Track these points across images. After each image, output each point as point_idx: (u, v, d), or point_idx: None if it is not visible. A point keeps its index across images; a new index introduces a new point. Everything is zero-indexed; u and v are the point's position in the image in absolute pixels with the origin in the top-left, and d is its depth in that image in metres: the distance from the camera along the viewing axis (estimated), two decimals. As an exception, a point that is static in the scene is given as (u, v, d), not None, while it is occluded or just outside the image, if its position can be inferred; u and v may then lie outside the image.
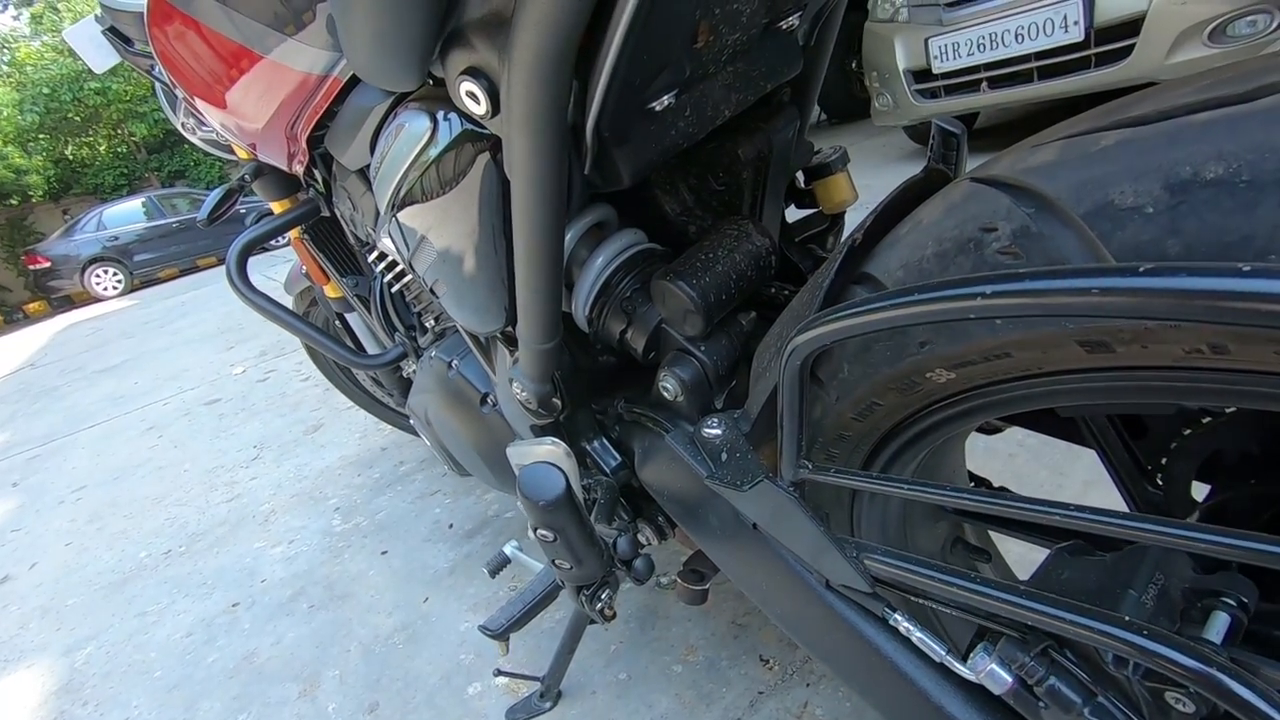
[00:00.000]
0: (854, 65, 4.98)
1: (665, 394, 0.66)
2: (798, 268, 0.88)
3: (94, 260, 10.97)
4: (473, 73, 0.46)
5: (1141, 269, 0.23)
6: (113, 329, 6.97)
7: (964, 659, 0.46)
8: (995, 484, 0.79)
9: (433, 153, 0.58)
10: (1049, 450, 1.38)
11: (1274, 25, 2.49)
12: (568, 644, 1.10)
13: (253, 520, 2.06)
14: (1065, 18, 2.89)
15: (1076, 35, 2.89)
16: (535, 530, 0.62)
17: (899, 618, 0.48)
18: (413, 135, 0.59)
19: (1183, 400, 0.34)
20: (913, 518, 0.64)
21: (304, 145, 0.95)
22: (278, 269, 6.09)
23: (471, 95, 0.48)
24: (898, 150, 4.47)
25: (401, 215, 0.70)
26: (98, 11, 1.26)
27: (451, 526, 1.75)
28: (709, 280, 0.60)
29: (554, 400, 0.72)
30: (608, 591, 0.73)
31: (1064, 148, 0.36)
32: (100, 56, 1.29)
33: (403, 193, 0.66)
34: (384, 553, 1.72)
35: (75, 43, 1.29)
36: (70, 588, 1.95)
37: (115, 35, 1.27)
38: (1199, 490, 0.58)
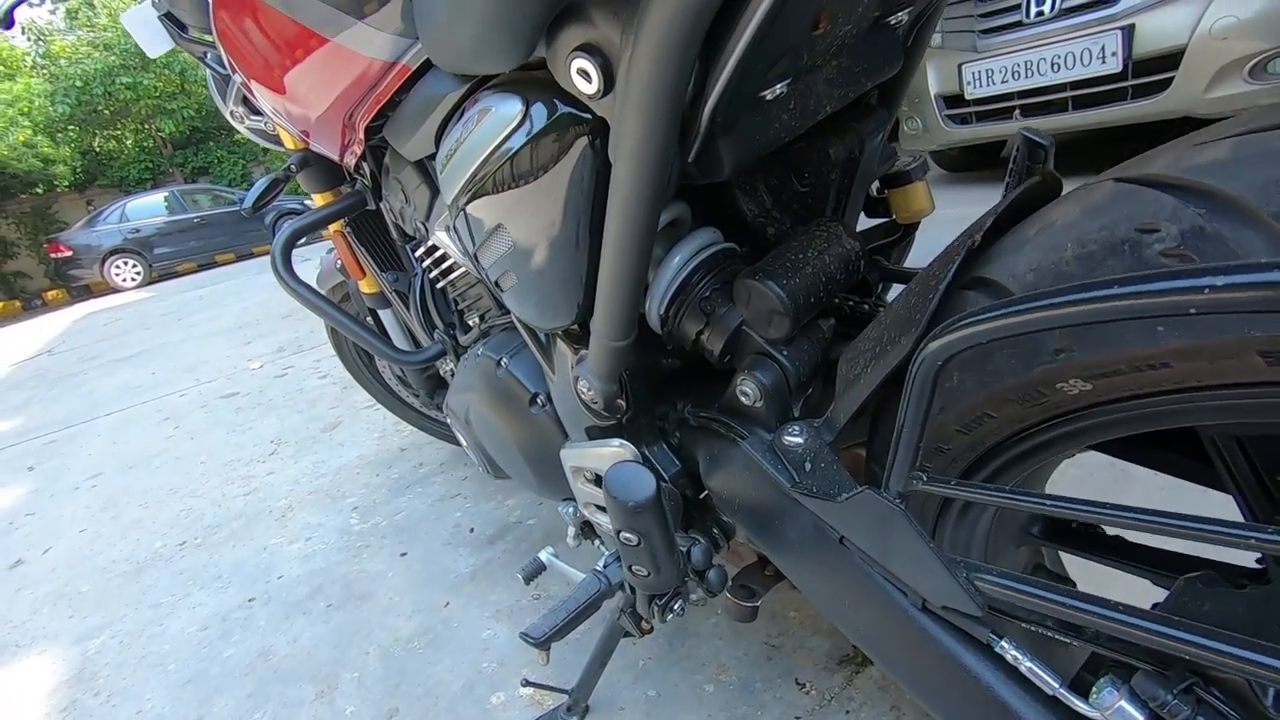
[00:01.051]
0: (882, 89, 4.99)
1: (743, 399, 0.63)
2: (864, 279, 0.85)
3: (115, 251, 11.10)
4: (587, 49, 0.45)
5: None
6: (131, 319, 7.02)
7: (1079, 693, 0.43)
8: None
9: (520, 138, 0.56)
10: (1103, 470, 1.33)
11: (1317, 63, 2.48)
12: (599, 657, 1.07)
13: (269, 515, 2.04)
14: (1104, 48, 2.89)
15: (1114, 66, 2.88)
16: (619, 533, 0.59)
17: (1006, 644, 0.45)
18: (501, 119, 0.57)
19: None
20: (997, 541, 0.61)
21: (360, 135, 0.94)
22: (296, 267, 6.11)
23: (583, 73, 0.46)
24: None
25: (473, 205, 0.68)
26: (155, -3, 1.27)
27: (473, 531, 1.73)
28: (798, 282, 0.58)
29: (619, 401, 0.70)
30: (680, 602, 0.70)
31: (1239, 145, 0.34)
32: (155, 41, 1.29)
33: (478, 181, 0.64)
34: (403, 554, 1.69)
35: (131, 26, 1.29)
36: (83, 575, 1.93)
37: (171, 21, 1.27)
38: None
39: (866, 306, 0.79)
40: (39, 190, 13.69)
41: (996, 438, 0.48)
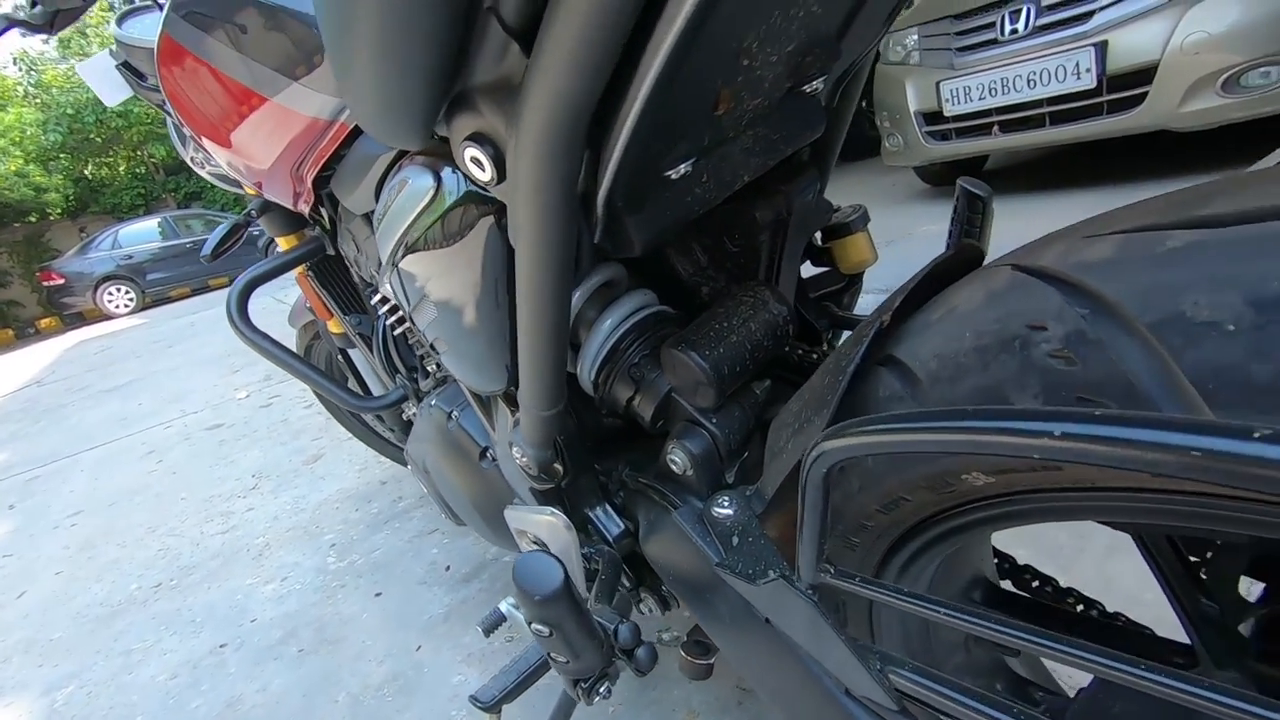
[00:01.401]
0: (864, 105, 5.02)
1: (673, 467, 0.62)
2: (812, 326, 0.84)
3: (107, 278, 11.08)
4: (477, 138, 0.44)
5: (1257, 434, 0.19)
6: (121, 348, 6.99)
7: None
8: (1019, 559, 0.74)
9: (435, 212, 0.56)
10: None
11: (1289, 77, 2.49)
12: (564, 707, 1.04)
13: (246, 554, 2.01)
14: (1078, 65, 2.90)
15: (1089, 82, 2.89)
16: (530, 624, 0.58)
17: (929, 737, 0.44)
18: (415, 193, 0.57)
19: (1269, 534, 0.30)
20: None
21: (310, 186, 0.94)
22: (285, 292, 6.12)
23: (476, 161, 0.45)
24: (906, 189, 4.47)
25: (403, 270, 0.67)
26: (113, 46, 1.27)
27: (448, 569, 1.70)
28: (723, 351, 0.57)
29: (555, 466, 0.68)
30: (606, 684, 0.68)
31: (1123, 244, 0.33)
32: (113, 90, 1.29)
33: (404, 248, 0.63)
34: (378, 594, 1.67)
35: (88, 76, 1.29)
36: (56, 620, 1.90)
37: (129, 70, 1.27)
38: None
39: (815, 355, 0.78)
40: (32, 219, 13.72)
41: (915, 518, 0.47)
